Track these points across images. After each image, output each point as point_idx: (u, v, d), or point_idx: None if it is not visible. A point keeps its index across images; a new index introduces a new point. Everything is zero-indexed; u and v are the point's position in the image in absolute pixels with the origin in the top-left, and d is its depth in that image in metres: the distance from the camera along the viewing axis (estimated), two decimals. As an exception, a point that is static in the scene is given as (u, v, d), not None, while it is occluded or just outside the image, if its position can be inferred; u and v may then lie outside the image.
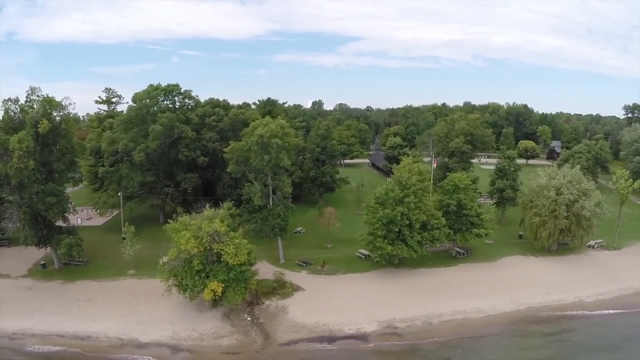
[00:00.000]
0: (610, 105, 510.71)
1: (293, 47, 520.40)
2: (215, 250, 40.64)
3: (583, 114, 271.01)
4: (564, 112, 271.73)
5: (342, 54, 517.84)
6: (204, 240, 39.99)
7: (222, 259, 41.19)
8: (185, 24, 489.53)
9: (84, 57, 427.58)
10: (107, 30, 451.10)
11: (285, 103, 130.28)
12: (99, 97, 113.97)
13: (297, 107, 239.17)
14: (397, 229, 51.41)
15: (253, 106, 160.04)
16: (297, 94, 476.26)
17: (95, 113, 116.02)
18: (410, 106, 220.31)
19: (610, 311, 47.65)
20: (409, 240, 51.80)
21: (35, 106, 55.42)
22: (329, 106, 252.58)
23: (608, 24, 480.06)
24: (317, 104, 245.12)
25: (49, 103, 54.97)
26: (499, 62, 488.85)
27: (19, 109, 56.21)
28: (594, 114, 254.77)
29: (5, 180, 53.56)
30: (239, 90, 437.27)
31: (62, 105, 56.94)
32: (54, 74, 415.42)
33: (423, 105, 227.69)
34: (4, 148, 51.61)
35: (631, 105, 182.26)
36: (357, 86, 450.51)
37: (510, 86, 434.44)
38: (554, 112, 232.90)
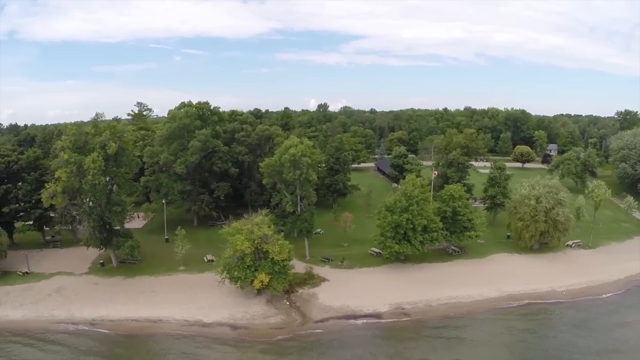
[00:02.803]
0: (610, 105, 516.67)
1: (295, 45, 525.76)
2: (264, 249, 52.28)
3: (583, 115, 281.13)
4: (564, 114, 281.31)
5: (344, 53, 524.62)
6: (255, 242, 51.59)
7: (268, 256, 52.73)
8: (186, 22, 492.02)
9: (86, 56, 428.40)
10: (108, 29, 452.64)
11: (300, 118, 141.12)
12: (132, 110, 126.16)
13: (305, 112, 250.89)
14: (403, 232, 62.73)
15: (262, 110, 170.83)
16: (299, 93, 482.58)
17: (114, 118, 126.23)
18: (413, 110, 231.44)
19: (577, 298, 58.46)
20: (412, 241, 63.15)
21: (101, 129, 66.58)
22: (332, 106, 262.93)
23: (610, 22, 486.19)
24: (323, 107, 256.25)
25: (113, 129, 65.94)
26: (501, 60, 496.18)
27: (84, 132, 67.03)
28: (594, 115, 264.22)
29: (77, 193, 64.30)
30: (241, 89, 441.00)
31: (123, 130, 68.14)
32: (55, 72, 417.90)
33: (425, 109, 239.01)
34: (78, 167, 62.32)
35: (623, 111, 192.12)
36: (360, 85, 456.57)
37: (512, 85, 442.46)
38: (552, 115, 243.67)
